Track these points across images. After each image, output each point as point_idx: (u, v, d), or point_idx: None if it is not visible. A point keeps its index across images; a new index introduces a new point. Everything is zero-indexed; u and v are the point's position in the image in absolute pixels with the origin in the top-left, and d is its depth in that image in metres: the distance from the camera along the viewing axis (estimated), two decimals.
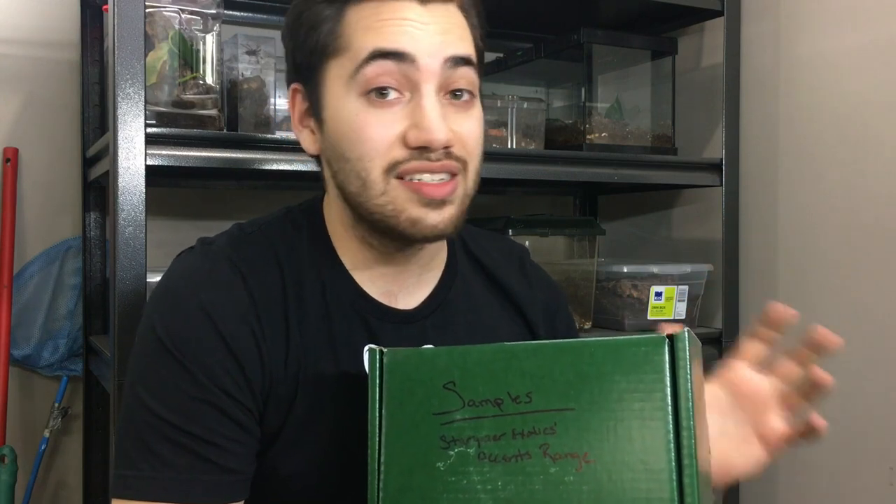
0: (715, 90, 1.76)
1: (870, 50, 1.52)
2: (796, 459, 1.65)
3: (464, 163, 0.81)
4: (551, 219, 1.74)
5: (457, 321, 0.91)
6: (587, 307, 1.70)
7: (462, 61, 0.80)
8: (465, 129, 0.81)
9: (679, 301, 1.71)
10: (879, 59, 1.50)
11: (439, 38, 0.79)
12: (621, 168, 1.63)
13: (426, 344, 0.88)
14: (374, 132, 0.78)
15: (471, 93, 0.82)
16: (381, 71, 0.78)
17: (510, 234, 1.59)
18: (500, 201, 2.05)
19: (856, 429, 1.53)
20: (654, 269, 1.68)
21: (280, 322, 0.81)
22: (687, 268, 1.71)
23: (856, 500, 1.55)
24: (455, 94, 0.81)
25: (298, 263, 0.85)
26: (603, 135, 1.71)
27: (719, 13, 1.70)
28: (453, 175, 0.81)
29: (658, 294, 1.68)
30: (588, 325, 1.70)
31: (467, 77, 0.81)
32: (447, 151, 0.79)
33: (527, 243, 1.60)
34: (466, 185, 0.83)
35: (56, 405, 1.72)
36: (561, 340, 0.69)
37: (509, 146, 1.67)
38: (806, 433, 0.81)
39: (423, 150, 0.78)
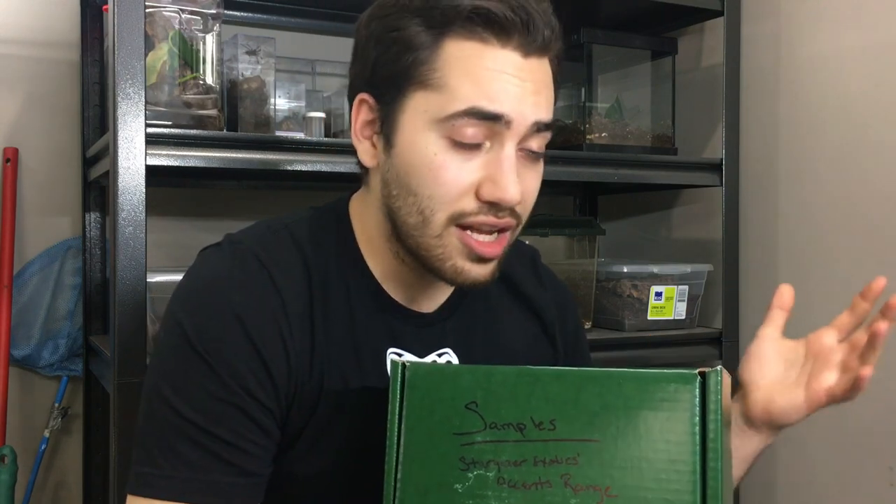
0: (715, 90, 1.76)
1: (870, 50, 1.52)
2: (796, 458, 1.65)
3: (519, 220, 0.82)
4: (551, 219, 1.74)
5: (475, 324, 0.92)
6: (587, 307, 1.70)
7: (546, 126, 0.80)
8: (531, 187, 0.82)
9: (679, 301, 1.71)
10: (879, 60, 1.50)
11: (532, 98, 0.78)
12: (621, 168, 1.63)
13: (446, 346, 0.89)
14: (450, 177, 0.77)
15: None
16: (474, 127, 0.77)
17: None
18: None
19: (856, 428, 1.53)
20: (654, 269, 1.68)
21: (306, 323, 0.81)
22: (687, 268, 1.71)
23: (856, 500, 1.55)
24: (529, 150, 0.81)
25: (325, 265, 0.84)
26: (603, 135, 1.71)
27: (719, 13, 1.70)
28: (506, 230, 0.81)
29: (658, 294, 1.68)
30: (588, 325, 1.70)
31: (546, 139, 0.82)
32: (512, 209, 0.80)
33: (527, 243, 1.60)
34: (512, 239, 0.84)
35: (56, 405, 1.72)
36: (587, 368, 0.68)
37: None
38: (848, 392, 0.85)
39: (492, 204, 0.78)
